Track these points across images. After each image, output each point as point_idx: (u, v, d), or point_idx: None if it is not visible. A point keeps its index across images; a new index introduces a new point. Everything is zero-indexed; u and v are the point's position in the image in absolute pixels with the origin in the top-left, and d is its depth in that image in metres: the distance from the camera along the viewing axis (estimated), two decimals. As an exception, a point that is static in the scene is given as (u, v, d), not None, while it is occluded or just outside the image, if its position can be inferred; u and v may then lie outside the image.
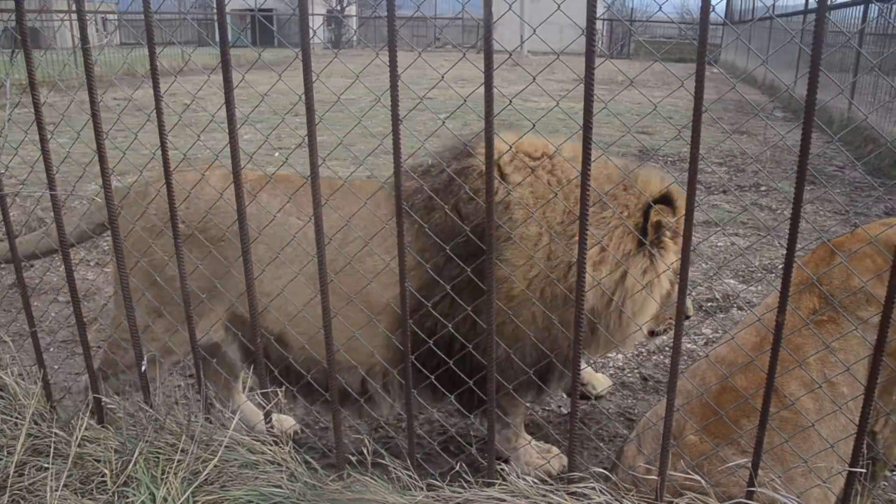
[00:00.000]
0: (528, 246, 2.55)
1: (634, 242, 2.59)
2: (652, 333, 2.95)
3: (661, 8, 1.97)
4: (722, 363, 2.33)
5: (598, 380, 3.78)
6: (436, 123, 10.84)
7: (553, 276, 2.57)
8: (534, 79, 1.91)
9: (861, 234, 2.38)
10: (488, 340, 2.27)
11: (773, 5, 23.42)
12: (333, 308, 2.50)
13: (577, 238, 2.50)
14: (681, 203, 2.60)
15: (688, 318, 2.93)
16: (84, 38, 2.32)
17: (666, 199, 2.58)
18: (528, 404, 3.19)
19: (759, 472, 2.11)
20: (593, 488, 2.27)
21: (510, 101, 1.99)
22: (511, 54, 1.94)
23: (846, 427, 2.18)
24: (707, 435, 2.21)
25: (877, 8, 11.48)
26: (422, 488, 2.43)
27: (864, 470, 2.17)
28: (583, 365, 3.52)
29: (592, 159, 1.96)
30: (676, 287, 2.77)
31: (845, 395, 2.20)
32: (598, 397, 3.73)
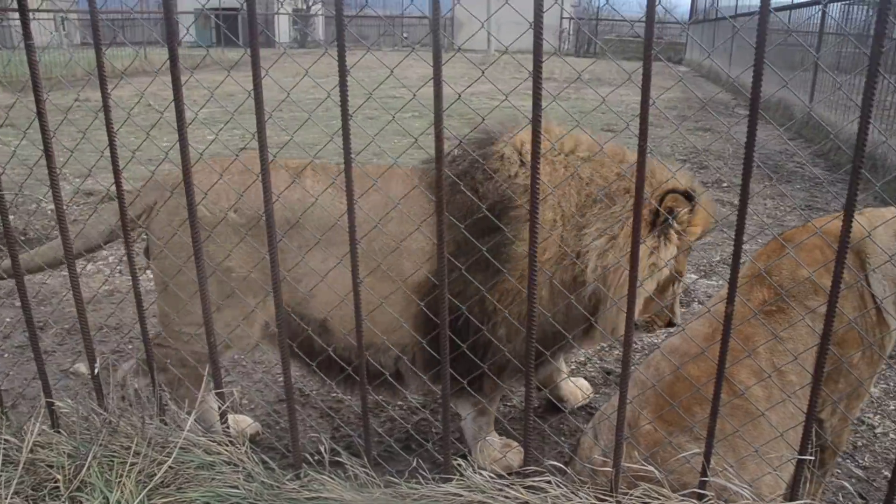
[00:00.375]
0: (543, 231, 2.61)
1: (646, 228, 2.64)
2: (641, 327, 2.98)
3: (607, 2, 1.98)
4: (675, 354, 2.35)
5: (575, 394, 3.70)
6: (405, 122, 10.81)
7: (564, 262, 2.65)
8: (482, 73, 1.92)
9: (811, 227, 2.43)
10: (441, 336, 2.27)
11: (736, 5, 23.76)
12: (373, 289, 2.61)
13: (585, 231, 2.62)
14: (702, 199, 2.68)
15: (674, 325, 2.96)
16: (27, 35, 2.27)
17: (685, 193, 2.63)
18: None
19: (712, 460, 2.14)
20: (549, 482, 2.28)
21: (459, 96, 1.99)
22: (458, 49, 1.93)
23: (795, 415, 2.22)
24: (661, 424, 2.23)
25: (835, 7, 11.70)
26: (379, 485, 2.43)
27: (811, 457, 2.21)
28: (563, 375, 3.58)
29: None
30: (676, 285, 2.83)
31: (794, 383, 2.23)
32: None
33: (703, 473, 2.14)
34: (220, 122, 11.56)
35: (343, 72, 1.95)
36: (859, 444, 3.39)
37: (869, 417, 3.62)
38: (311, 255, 2.71)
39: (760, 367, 2.23)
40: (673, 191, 2.61)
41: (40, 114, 2.37)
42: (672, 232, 2.65)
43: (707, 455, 2.12)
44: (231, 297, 2.78)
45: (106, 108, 2.31)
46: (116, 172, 2.44)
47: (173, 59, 2.18)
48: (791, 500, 2.20)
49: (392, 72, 2.06)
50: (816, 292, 2.29)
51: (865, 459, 3.26)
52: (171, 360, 2.92)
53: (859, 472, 3.17)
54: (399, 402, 3.59)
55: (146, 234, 2.91)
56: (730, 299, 1.97)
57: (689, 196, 2.62)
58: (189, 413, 2.66)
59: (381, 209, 2.70)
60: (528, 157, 2.63)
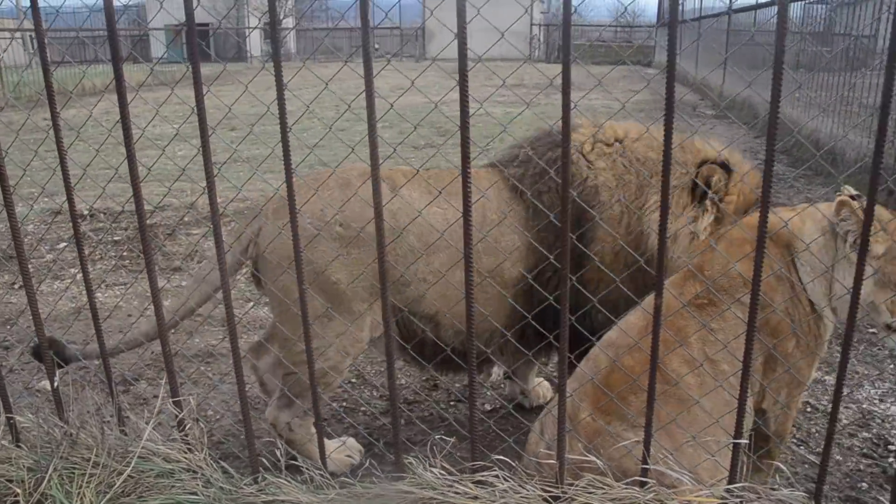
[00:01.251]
0: (613, 225, 2.75)
1: (689, 197, 2.77)
2: None
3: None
4: (612, 347, 2.43)
5: (537, 393, 3.79)
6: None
7: (632, 247, 2.76)
8: (412, 83, 1.99)
9: (745, 222, 2.52)
10: (387, 338, 2.34)
11: (700, 8, 24.08)
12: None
13: (645, 208, 2.75)
14: (740, 168, 2.78)
15: None
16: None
17: (721, 163, 2.73)
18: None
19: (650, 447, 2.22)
20: (497, 476, 2.34)
21: (392, 106, 2.06)
22: (390, 60, 2.01)
23: (729, 402, 2.30)
24: (600, 414, 2.31)
25: (796, 6, 11.91)
26: (334, 486, 2.48)
27: (746, 441, 2.29)
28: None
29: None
30: None
31: (726, 372, 2.32)
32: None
33: (644, 461, 2.21)
34: (190, 136, 11.49)
35: (280, 85, 2.02)
36: (813, 430, 3.48)
37: (824, 405, 3.71)
38: (418, 260, 2.80)
39: (692, 357, 2.31)
40: (708, 161, 2.70)
41: (-10, 134, 2.42)
42: (707, 204, 2.74)
43: (646, 442, 2.20)
44: (340, 307, 2.83)
45: (56, 127, 2.36)
46: (68, 189, 2.49)
47: (118, 77, 2.24)
48: (729, 484, 2.28)
49: (326, 85, 2.13)
50: (746, 286, 2.38)
51: (820, 446, 3.35)
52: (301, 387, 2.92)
53: (812, 457, 3.26)
54: (363, 409, 3.65)
55: (255, 264, 2.96)
56: (658, 292, 2.05)
57: (724, 166, 2.71)
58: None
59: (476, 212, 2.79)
60: (591, 157, 2.84)
